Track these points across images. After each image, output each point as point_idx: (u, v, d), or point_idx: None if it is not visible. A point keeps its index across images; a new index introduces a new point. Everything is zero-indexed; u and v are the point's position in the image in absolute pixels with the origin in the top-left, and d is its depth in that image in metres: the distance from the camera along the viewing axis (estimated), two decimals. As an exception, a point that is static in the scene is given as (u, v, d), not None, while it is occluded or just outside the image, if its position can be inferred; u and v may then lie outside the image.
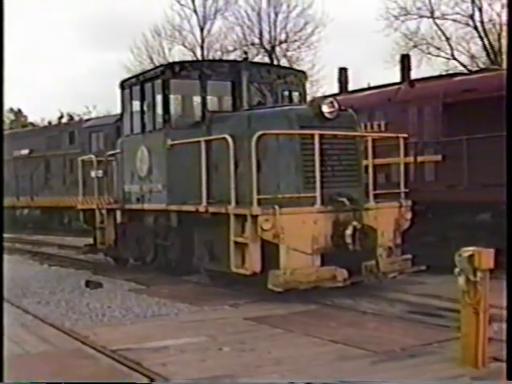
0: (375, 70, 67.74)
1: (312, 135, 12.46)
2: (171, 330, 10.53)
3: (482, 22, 32.69)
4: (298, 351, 9.05)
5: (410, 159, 15.45)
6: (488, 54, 32.97)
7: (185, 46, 44.72)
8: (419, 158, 15.57)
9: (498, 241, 12.10)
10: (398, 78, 18.83)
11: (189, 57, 43.83)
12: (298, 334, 10.03)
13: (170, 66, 15.80)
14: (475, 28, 32.94)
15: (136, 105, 16.52)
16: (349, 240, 12.27)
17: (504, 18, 32.48)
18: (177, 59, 44.14)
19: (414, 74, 18.00)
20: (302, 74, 16.96)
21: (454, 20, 33.46)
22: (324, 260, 12.42)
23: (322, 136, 12.54)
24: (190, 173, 14.13)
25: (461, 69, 29.69)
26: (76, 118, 36.57)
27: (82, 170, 20.33)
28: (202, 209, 13.54)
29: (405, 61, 18.45)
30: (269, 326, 10.65)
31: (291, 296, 12.23)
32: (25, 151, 34.87)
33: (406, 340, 9.40)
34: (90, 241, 19.52)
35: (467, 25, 33.17)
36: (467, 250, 8.30)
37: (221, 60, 14.78)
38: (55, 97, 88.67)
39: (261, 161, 12.59)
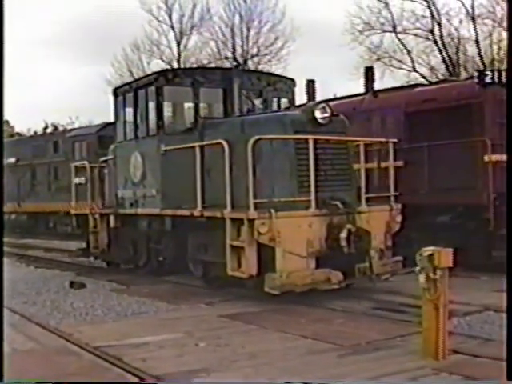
0: (341, 82, 67.97)
1: (306, 140, 12.10)
2: (150, 327, 10.54)
3: (441, 37, 32.92)
4: (271, 346, 9.09)
5: (374, 165, 15.46)
6: (447, 66, 33.19)
7: (162, 60, 44.73)
8: (382, 164, 15.61)
9: (456, 241, 12.25)
10: (362, 89, 18.88)
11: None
12: (270, 330, 10.06)
13: (164, 73, 15.46)
14: (435, 42, 33.18)
15: (129, 111, 16.13)
16: (343, 243, 11.92)
17: (462, 32, 32.84)
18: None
19: (377, 85, 18.14)
20: (291, 82, 16.33)
21: (415, 35, 33.75)
22: (318, 263, 12.03)
23: (315, 141, 12.19)
24: (184, 178, 13.75)
25: (421, 80, 29.85)
26: (60, 129, 36.44)
27: (74, 176, 20.08)
28: (197, 213, 13.10)
29: (369, 73, 18.52)
30: (242, 323, 10.69)
31: (265, 295, 12.28)
32: (12, 160, 34.67)
33: (371, 334, 9.47)
34: (75, 244, 19.45)
35: (427, 39, 33.44)
36: (427, 250, 8.39)
37: (213, 68, 14.36)
38: (40, 108, 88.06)
39: (255, 165, 12.10)
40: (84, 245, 19.08)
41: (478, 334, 9.49)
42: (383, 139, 13.83)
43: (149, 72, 43.60)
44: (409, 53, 34.20)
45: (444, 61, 33.42)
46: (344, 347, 8.84)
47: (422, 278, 8.18)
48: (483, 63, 31.46)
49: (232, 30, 42.84)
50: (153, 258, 15.85)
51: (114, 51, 45.73)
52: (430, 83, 20.46)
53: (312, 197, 12.02)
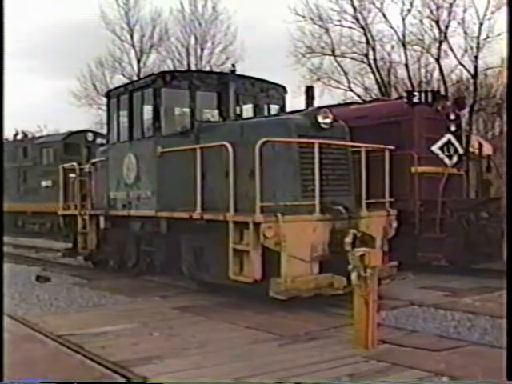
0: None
1: (311, 144, 11.10)
2: (109, 318, 10.46)
3: (374, 60, 33.21)
4: (218, 335, 9.08)
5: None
6: (379, 87, 33.50)
7: (124, 76, 44.32)
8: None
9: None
10: (303, 106, 18.95)
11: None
12: (218, 321, 10.05)
13: (161, 75, 14.08)
14: (369, 65, 33.44)
15: (123, 113, 14.84)
16: (348, 247, 10.66)
17: (393, 56, 33.20)
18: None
19: (317, 103, 18.15)
20: (282, 89, 15.34)
21: (352, 58, 33.95)
22: (321, 267, 11.01)
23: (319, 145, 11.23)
24: (181, 180, 12.68)
25: (356, 99, 30.02)
26: (29, 136, 36.02)
27: (62, 178, 18.41)
28: (196, 215, 11.86)
29: (309, 91, 18.55)
30: (193, 314, 10.67)
31: (215, 289, 12.29)
32: (-17, 164, 34.16)
33: (309, 326, 9.54)
34: (40, 241, 19.15)
35: (362, 62, 33.65)
36: (359, 251, 8.49)
37: (209, 71, 13.35)
38: (12, 117, 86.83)
39: (261, 168, 10.94)
40: (70, 245, 18.24)
41: (403, 326, 9.59)
42: (382, 146, 13.16)
43: (111, 87, 43.62)
44: (346, 74, 34.45)
45: (377, 82, 33.73)
46: (284, 337, 8.88)
47: (353, 275, 8.27)
48: (412, 85, 31.81)
49: (187, 50, 42.84)
50: (142, 260, 14.83)
51: (80, 66, 45.22)
52: (364, 102, 20.61)
53: (316, 201, 11.05)
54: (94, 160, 17.02)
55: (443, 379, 6.91)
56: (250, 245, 10.59)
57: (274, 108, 15.03)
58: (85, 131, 30.17)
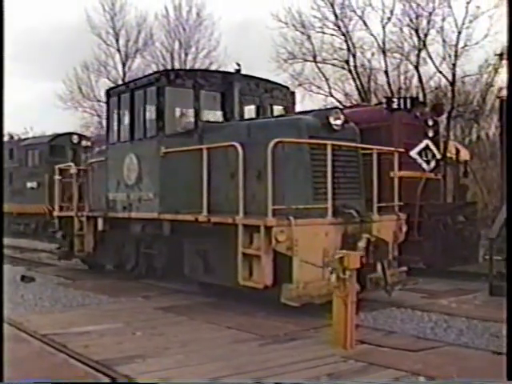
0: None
1: (323, 145, 10.52)
2: (93, 318, 10.44)
3: (355, 67, 33.26)
4: (200, 335, 9.09)
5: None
6: (359, 93, 33.56)
7: (109, 79, 44.22)
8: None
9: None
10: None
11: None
12: (199, 321, 10.05)
13: (166, 73, 13.45)
14: (349, 71, 33.48)
15: (124, 112, 14.13)
16: (361, 253, 9.94)
17: (373, 63, 33.28)
18: (102, 91, 43.87)
19: (298, 108, 18.17)
20: (287, 90, 14.84)
21: (333, 64, 33.94)
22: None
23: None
24: (185, 181, 12.07)
25: (337, 104, 30.05)
26: (15, 137, 35.86)
27: (59, 179, 17.17)
28: (202, 218, 11.24)
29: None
30: (175, 315, 10.66)
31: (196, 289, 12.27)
32: (-30, 164, 33.97)
33: (289, 326, 9.54)
34: (26, 241, 18.97)
35: (343, 68, 33.67)
36: (339, 253, 8.51)
37: (214, 70, 12.51)
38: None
39: (264, 171, 10.36)
40: (56, 245, 17.75)
41: (382, 327, 9.64)
42: (392, 148, 12.83)
43: (96, 90, 43.49)
44: (326, 80, 34.45)
45: (357, 88, 33.79)
46: (264, 337, 8.89)
47: (333, 277, 8.29)
48: (391, 91, 31.88)
49: (172, 55, 42.77)
50: (142, 263, 14.16)
51: (66, 70, 45.03)
52: (345, 107, 20.65)
53: (329, 204, 10.51)
54: (91, 160, 16.12)
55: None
56: (261, 249, 10.02)
57: (278, 109, 14.48)
58: (70, 133, 30.05)
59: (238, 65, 13.33)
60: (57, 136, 30.07)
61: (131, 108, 13.70)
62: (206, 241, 11.49)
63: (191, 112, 13.48)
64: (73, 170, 16.60)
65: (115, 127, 14.48)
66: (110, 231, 15.08)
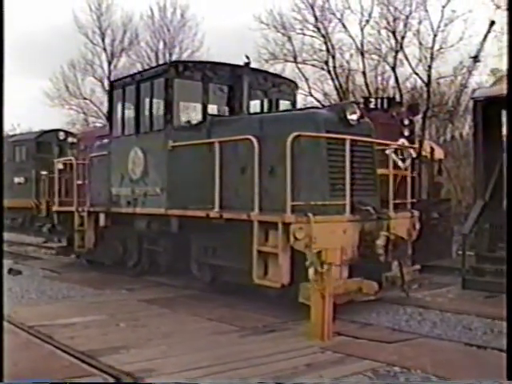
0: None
1: (341, 140, 9.94)
2: (78, 310, 10.42)
3: (334, 67, 33.27)
4: (182, 327, 9.11)
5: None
6: (338, 93, 33.59)
7: (95, 78, 44.05)
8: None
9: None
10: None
11: (98, 87, 43.23)
12: (182, 314, 10.05)
13: (175, 64, 12.69)
14: (329, 72, 33.49)
15: (129, 105, 13.36)
16: (380, 251, 9.85)
17: (352, 64, 33.35)
18: (88, 89, 43.69)
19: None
20: (294, 84, 14.29)
21: (313, 65, 33.93)
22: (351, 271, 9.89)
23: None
24: (194, 176, 11.44)
25: (316, 104, 30.09)
26: (3, 134, 35.69)
27: (57, 174, 16.50)
28: (214, 214, 10.68)
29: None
30: (158, 307, 10.65)
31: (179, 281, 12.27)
32: (-42, 160, 33.69)
33: (268, 318, 9.56)
34: (14, 236, 18.81)
35: (322, 69, 33.66)
36: (317, 247, 8.54)
37: (223, 63, 12.10)
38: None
39: (278, 166, 9.90)
40: (42, 239, 17.67)
41: (358, 319, 9.66)
42: (409, 144, 12.37)
43: (82, 88, 43.27)
44: (306, 80, 34.41)
45: (336, 88, 33.82)
46: (245, 329, 8.91)
47: (311, 271, 8.32)
48: (369, 91, 31.97)
49: (156, 55, 42.62)
50: (144, 259, 13.65)
51: (53, 68, 44.76)
52: (324, 106, 20.71)
53: (347, 201, 9.91)
54: (93, 154, 15.02)
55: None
56: (278, 247, 9.42)
57: (284, 104, 13.76)
58: (57, 130, 29.86)
59: (248, 58, 12.66)
60: (43, 133, 29.89)
61: (137, 100, 12.99)
62: (216, 237, 11.00)
63: (199, 105, 12.80)
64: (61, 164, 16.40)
65: (119, 120, 13.72)
66: (112, 227, 14.40)
